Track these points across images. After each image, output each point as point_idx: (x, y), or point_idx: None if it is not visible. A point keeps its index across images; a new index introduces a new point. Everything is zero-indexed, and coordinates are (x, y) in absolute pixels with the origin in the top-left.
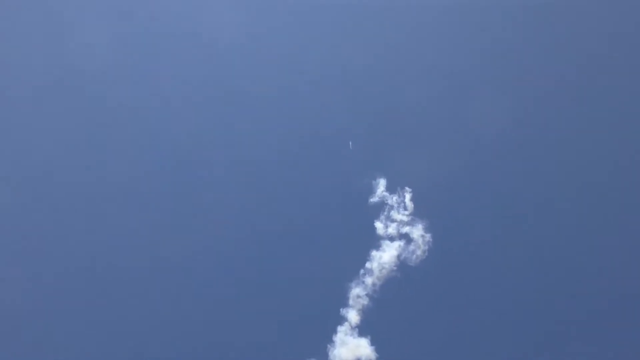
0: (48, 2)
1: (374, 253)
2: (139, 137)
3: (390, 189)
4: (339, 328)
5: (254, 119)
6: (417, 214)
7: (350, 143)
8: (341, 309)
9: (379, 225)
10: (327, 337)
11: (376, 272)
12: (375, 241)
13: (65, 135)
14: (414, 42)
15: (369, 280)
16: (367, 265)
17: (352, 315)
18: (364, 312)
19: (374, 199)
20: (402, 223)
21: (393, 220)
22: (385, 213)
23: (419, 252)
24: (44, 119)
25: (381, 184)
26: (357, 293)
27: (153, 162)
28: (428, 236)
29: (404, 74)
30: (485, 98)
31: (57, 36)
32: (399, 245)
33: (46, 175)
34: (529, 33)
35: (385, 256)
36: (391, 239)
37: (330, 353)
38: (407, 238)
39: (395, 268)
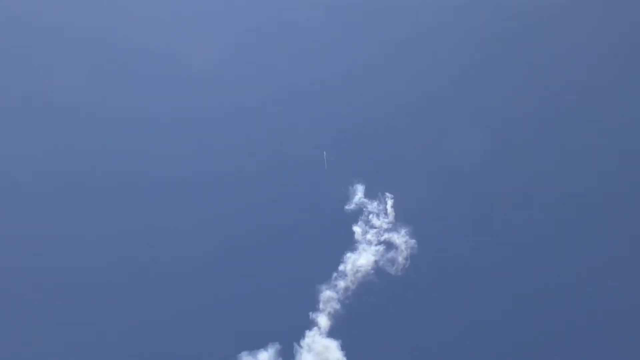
0: (25, 30)
1: (349, 255)
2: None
3: (370, 195)
4: (308, 333)
5: (232, 127)
6: (400, 221)
7: (325, 153)
8: (310, 313)
9: (357, 229)
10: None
11: (350, 276)
12: (351, 244)
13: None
14: (392, 49)
15: (342, 283)
16: (341, 267)
17: (322, 320)
18: (335, 317)
19: (350, 206)
20: (382, 230)
21: (373, 227)
22: (364, 218)
23: (400, 259)
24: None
25: (359, 191)
26: (329, 296)
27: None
28: (412, 242)
29: (382, 81)
30: (468, 103)
31: (37, 62)
32: (377, 251)
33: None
34: (511, 49)
35: (361, 260)
36: (369, 243)
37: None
38: (388, 245)
39: (372, 272)
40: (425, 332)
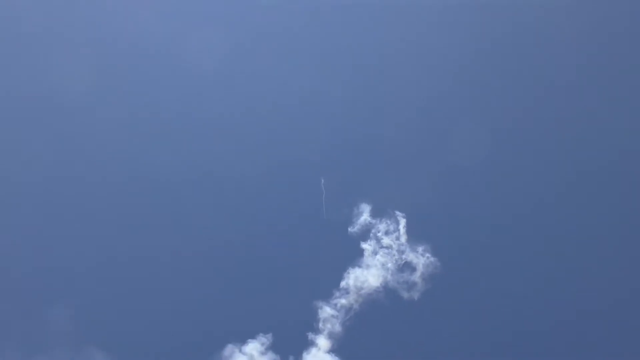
0: (29, 32)
1: (353, 271)
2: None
3: (379, 214)
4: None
5: (233, 145)
6: (413, 242)
7: (322, 180)
8: (309, 334)
9: (366, 247)
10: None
11: (353, 293)
12: (359, 260)
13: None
14: (397, 52)
15: (344, 301)
16: (344, 285)
17: (322, 341)
18: (335, 338)
19: (353, 229)
20: (394, 250)
21: (382, 246)
22: (373, 236)
23: (416, 278)
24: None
25: (365, 211)
26: (330, 314)
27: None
28: (429, 262)
29: (382, 97)
30: (475, 111)
31: (40, 66)
32: (386, 268)
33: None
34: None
35: (369, 278)
36: (377, 261)
37: None
38: (400, 265)
39: (381, 290)
40: None
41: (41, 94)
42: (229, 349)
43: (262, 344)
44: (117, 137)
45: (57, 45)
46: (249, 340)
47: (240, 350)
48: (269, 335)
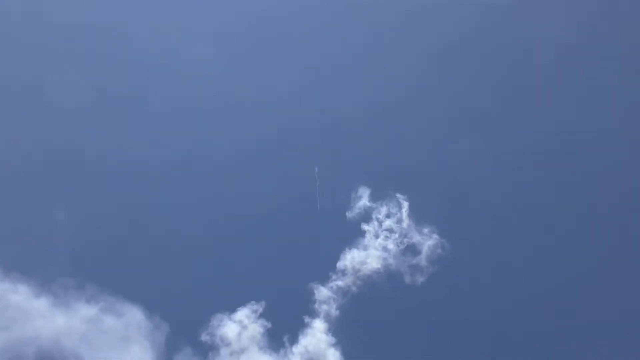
0: (29, 43)
1: (350, 253)
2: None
3: (380, 198)
4: (301, 338)
5: (231, 126)
6: (416, 224)
7: (316, 169)
8: (305, 317)
9: (368, 229)
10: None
11: (350, 274)
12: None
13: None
14: (393, 51)
15: (340, 283)
16: (342, 267)
17: (317, 323)
18: (331, 320)
19: (352, 213)
20: (396, 234)
21: (385, 229)
22: (375, 221)
23: (422, 262)
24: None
25: (364, 195)
26: (328, 296)
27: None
28: (437, 243)
29: (383, 82)
30: (468, 103)
31: (40, 77)
32: (387, 249)
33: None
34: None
35: (368, 260)
36: (378, 244)
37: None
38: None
39: (382, 272)
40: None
41: (41, 99)
42: (217, 318)
43: (254, 312)
44: (123, 131)
45: (56, 51)
46: (239, 308)
47: (229, 318)
48: (262, 303)
